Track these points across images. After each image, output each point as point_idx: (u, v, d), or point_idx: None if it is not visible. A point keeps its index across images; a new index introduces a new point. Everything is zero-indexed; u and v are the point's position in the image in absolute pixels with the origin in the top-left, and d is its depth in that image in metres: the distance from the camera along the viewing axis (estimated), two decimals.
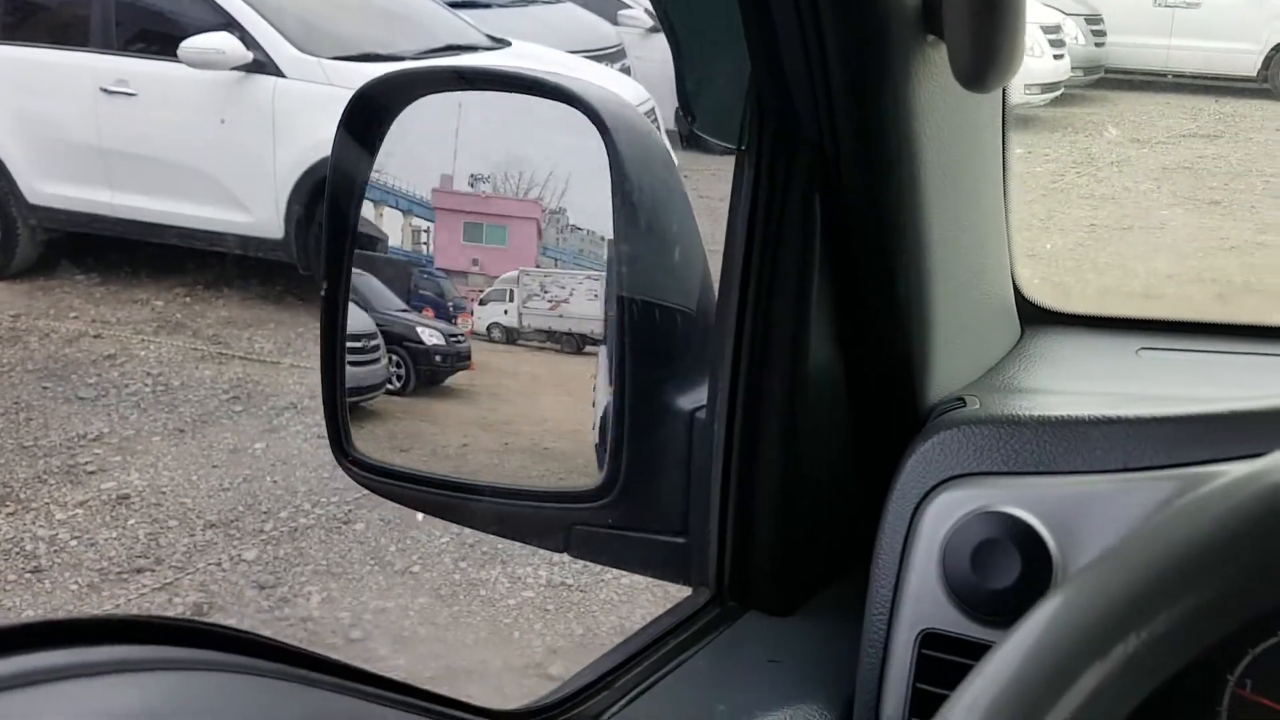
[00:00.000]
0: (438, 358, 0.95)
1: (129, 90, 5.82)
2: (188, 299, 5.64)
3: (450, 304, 0.94)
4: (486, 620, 3.05)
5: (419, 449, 0.96)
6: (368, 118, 0.95)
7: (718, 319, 0.82)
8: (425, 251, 0.95)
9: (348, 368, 0.97)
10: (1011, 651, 0.38)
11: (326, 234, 0.97)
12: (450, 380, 0.95)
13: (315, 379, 0.99)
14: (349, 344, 0.97)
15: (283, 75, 5.58)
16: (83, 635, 0.47)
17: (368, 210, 0.94)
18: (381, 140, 0.96)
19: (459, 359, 0.94)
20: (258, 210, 5.64)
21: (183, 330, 5.25)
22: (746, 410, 0.80)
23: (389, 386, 0.97)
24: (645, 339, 0.84)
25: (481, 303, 0.91)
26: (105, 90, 5.82)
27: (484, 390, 0.94)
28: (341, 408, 0.97)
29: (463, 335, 0.93)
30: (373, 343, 0.97)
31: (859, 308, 0.82)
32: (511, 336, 0.90)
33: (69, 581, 3.26)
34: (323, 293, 0.98)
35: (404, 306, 0.96)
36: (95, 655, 0.46)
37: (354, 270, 0.97)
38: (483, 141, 0.94)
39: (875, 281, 0.80)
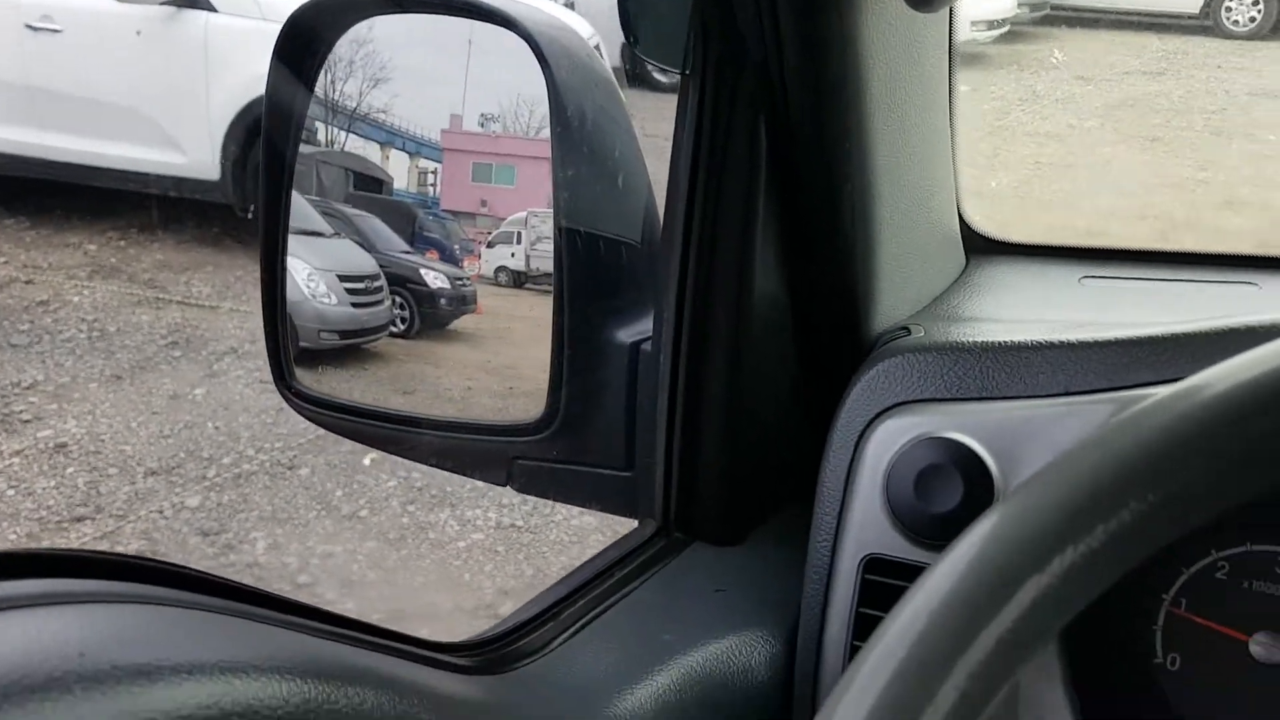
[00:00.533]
0: (442, 301, 0.95)
1: (54, 26, 5.60)
2: (122, 243, 5.49)
3: (456, 246, 0.93)
4: (436, 563, 3.04)
5: (422, 391, 0.96)
6: (301, 46, 0.92)
7: (662, 247, 0.80)
8: (432, 193, 0.94)
9: (350, 309, 0.97)
10: (950, 567, 0.38)
11: (263, 170, 0.94)
12: (456, 324, 0.94)
13: (256, 323, 0.98)
14: (350, 285, 0.97)
15: (214, 10, 5.40)
16: (6, 569, 0.46)
17: (373, 152, 0.92)
18: (318, 71, 0.93)
19: (464, 302, 0.93)
20: (192, 150, 5.49)
21: (117, 275, 5.13)
22: (692, 341, 0.79)
23: (393, 329, 0.96)
24: (586, 269, 0.82)
25: (489, 245, 0.90)
26: (30, 26, 5.61)
27: (490, 334, 0.93)
28: (284, 340, 0.96)
29: (468, 279, 0.92)
30: (375, 284, 0.96)
31: (804, 236, 0.81)
32: (519, 280, 0.88)
33: (8, 531, 3.20)
34: (250, 216, 0.96)
35: (408, 248, 0.95)
36: (19, 589, 0.44)
37: (356, 212, 0.97)
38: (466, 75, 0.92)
39: (821, 208, 0.80)
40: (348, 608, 2.87)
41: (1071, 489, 0.38)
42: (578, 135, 0.81)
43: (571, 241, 0.82)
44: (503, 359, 0.95)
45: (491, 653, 0.66)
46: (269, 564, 3.07)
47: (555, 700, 0.65)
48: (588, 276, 0.83)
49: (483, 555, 3.08)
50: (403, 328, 0.99)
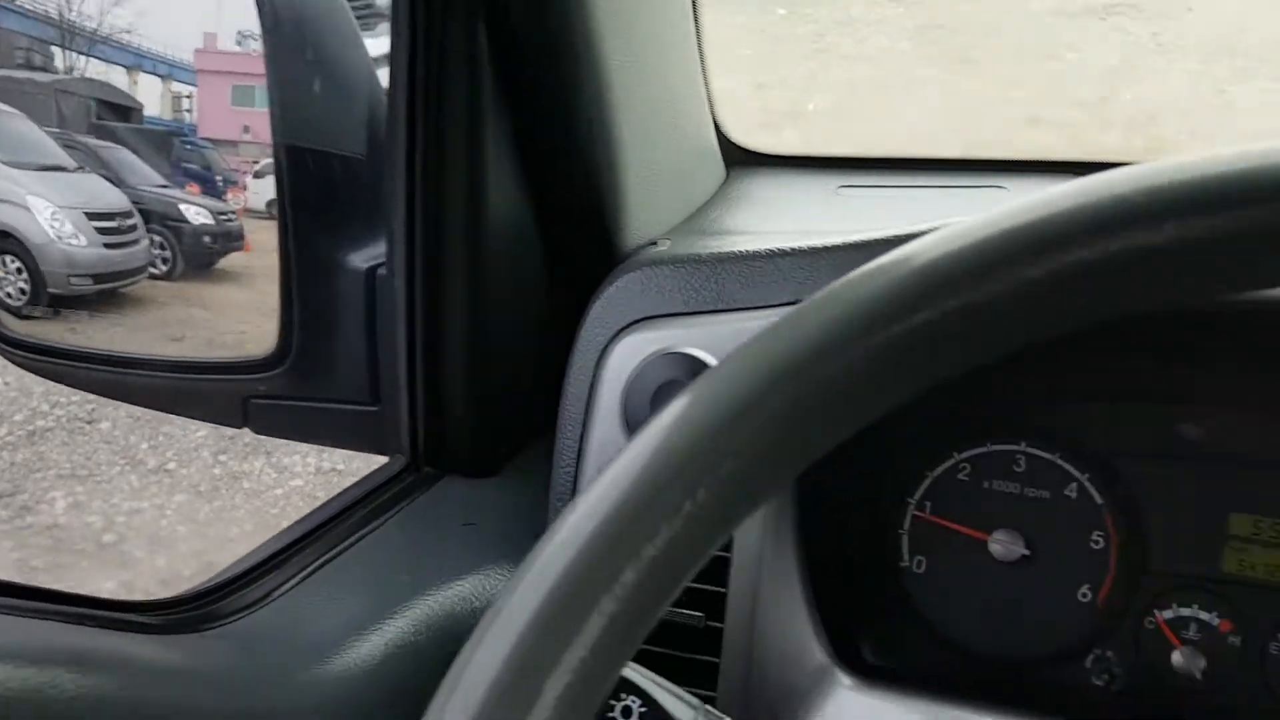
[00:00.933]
0: (206, 238, 0.88)
1: None
2: None
3: (219, 178, 0.86)
4: (251, 513, 2.93)
5: (192, 337, 0.88)
6: None
7: (387, 164, 0.75)
8: (188, 120, 0.86)
9: (102, 250, 0.91)
10: (607, 486, 0.35)
11: None
12: (223, 262, 0.87)
13: None
14: (101, 224, 0.91)
15: None
16: None
17: (118, 77, 0.86)
18: None
19: (231, 239, 0.87)
20: None
21: None
22: (427, 264, 0.75)
23: (153, 270, 0.89)
24: (312, 188, 0.76)
25: (256, 175, 0.83)
26: None
27: (261, 272, 0.86)
28: None
29: (234, 213, 0.85)
30: (129, 222, 0.88)
31: (542, 150, 0.77)
32: None
33: None
34: None
35: (164, 182, 0.87)
36: None
37: (102, 143, 0.90)
38: None
39: (556, 122, 0.75)
40: (158, 564, 2.74)
41: (706, 418, 0.35)
42: (291, 42, 0.75)
43: (293, 158, 0.76)
44: (274, 299, 0.88)
45: (193, 610, 0.61)
46: (70, 524, 2.89)
47: (268, 656, 0.60)
48: (314, 197, 0.77)
49: (302, 501, 2.97)
50: (164, 269, 0.92)
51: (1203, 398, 0.74)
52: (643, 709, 0.47)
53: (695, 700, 0.48)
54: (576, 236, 0.81)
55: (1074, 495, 0.76)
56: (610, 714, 0.46)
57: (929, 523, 0.77)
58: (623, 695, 0.47)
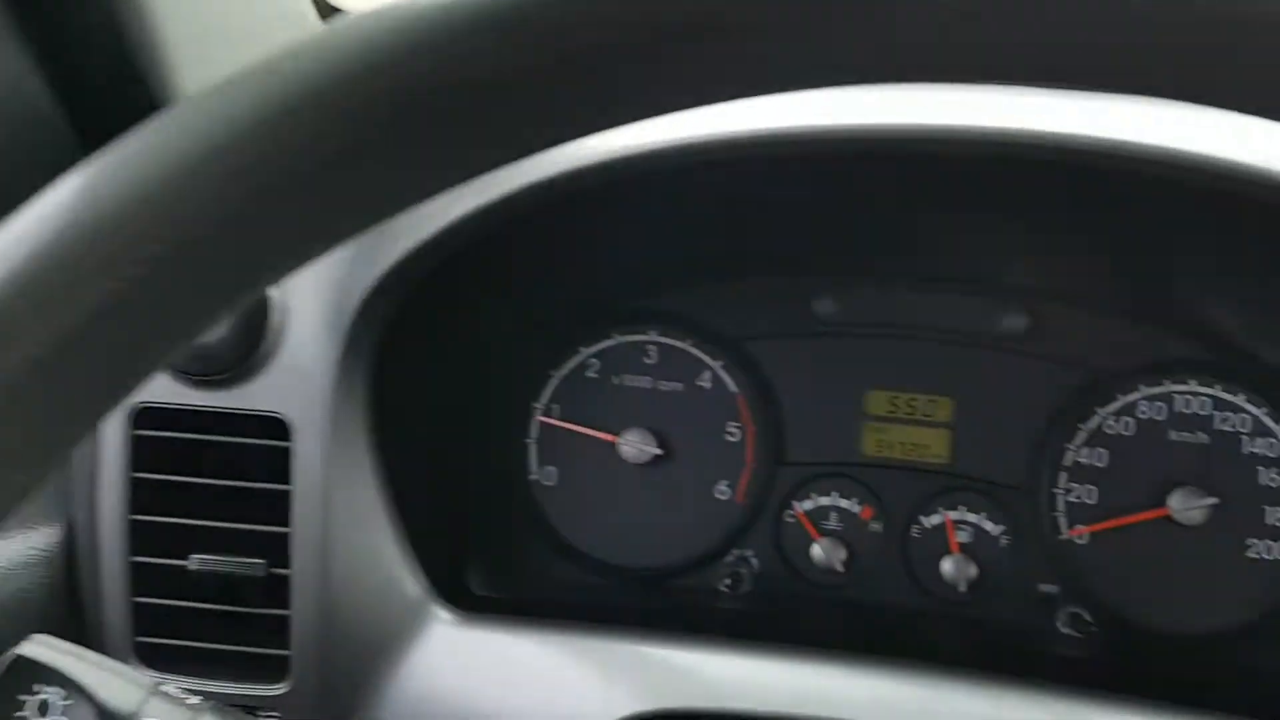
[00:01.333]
0: None
1: None
2: None
3: None
4: None
5: None
6: None
7: None
8: None
9: None
10: None
11: None
12: None
13: None
14: None
15: None
16: None
17: None
18: None
19: None
20: None
21: None
22: None
23: None
24: None
25: None
26: None
27: None
28: None
29: None
30: None
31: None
32: None
33: None
34: None
35: None
36: None
37: None
38: None
39: None
40: None
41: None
42: None
43: None
44: None
45: None
46: None
47: None
48: None
49: None
50: None
51: (835, 269, 0.68)
52: (66, 701, 0.35)
53: (147, 681, 0.37)
54: (114, 106, 0.66)
55: (708, 385, 0.69)
56: (20, 713, 0.35)
57: (558, 429, 0.69)
58: (37, 688, 0.35)
